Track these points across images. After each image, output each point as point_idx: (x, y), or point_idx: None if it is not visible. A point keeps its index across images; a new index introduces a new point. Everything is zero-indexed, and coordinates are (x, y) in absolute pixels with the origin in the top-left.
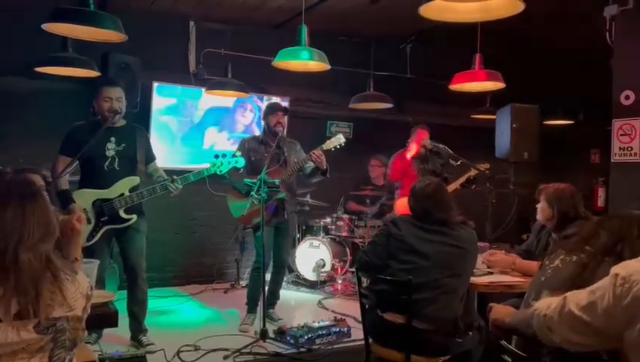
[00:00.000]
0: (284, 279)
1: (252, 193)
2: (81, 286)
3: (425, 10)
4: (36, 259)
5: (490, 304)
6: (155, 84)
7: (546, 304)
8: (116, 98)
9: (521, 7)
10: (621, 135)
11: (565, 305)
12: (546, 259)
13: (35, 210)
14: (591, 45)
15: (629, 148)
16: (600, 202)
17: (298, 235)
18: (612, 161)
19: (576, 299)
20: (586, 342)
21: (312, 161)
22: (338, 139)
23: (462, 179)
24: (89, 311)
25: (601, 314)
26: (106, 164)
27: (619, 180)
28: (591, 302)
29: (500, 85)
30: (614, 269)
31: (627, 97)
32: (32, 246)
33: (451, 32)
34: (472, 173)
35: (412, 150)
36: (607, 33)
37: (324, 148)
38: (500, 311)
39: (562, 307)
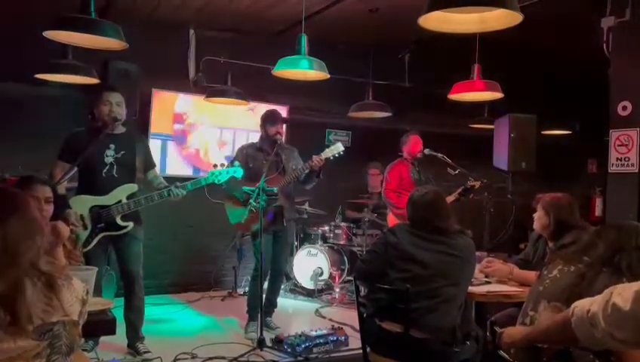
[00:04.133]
0: (282, 287)
1: (251, 201)
2: (77, 290)
3: (424, 21)
4: (26, 268)
5: (501, 330)
6: (155, 92)
7: (589, 301)
8: (116, 103)
9: (519, 18)
10: (618, 145)
11: (610, 299)
12: (544, 269)
13: (13, 224)
14: (588, 56)
15: (626, 159)
16: (597, 212)
17: (296, 243)
18: (609, 171)
19: (623, 291)
20: (629, 337)
21: (311, 166)
22: (337, 148)
23: (459, 190)
24: (86, 316)
25: None
26: (104, 170)
27: (616, 190)
28: (637, 294)
29: (498, 95)
30: None
31: (624, 108)
32: (12, 262)
33: (450, 42)
34: (469, 183)
35: (408, 155)
36: (605, 44)
37: (323, 157)
38: (514, 333)
39: (607, 301)
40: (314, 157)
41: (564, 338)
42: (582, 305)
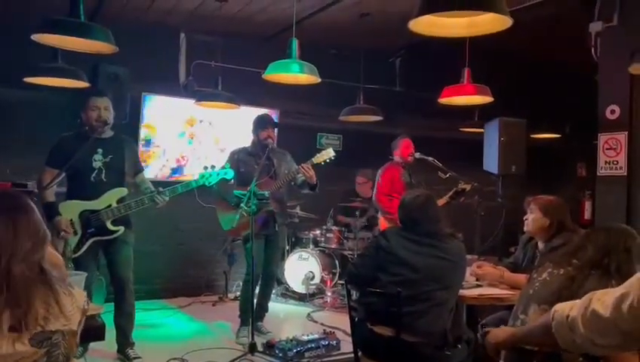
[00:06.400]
0: (273, 291)
1: (241, 205)
2: (78, 300)
3: (414, 25)
4: (29, 270)
5: (486, 329)
6: (145, 95)
7: (569, 306)
8: (104, 107)
9: (508, 22)
10: (607, 149)
11: (590, 305)
12: (534, 272)
13: (25, 222)
14: (577, 60)
15: (615, 162)
16: (587, 215)
17: (287, 247)
18: (598, 174)
19: (603, 298)
20: (610, 342)
21: (303, 174)
22: (328, 153)
23: (450, 193)
24: (83, 324)
25: (626, 314)
26: (93, 175)
27: (605, 193)
28: (617, 300)
29: (488, 99)
30: None
31: (612, 112)
32: (25, 257)
33: (440, 46)
34: (460, 187)
35: (399, 159)
36: (593, 49)
37: (314, 162)
38: (500, 333)
39: (586, 307)
40: (302, 165)
41: (546, 341)
42: (562, 309)
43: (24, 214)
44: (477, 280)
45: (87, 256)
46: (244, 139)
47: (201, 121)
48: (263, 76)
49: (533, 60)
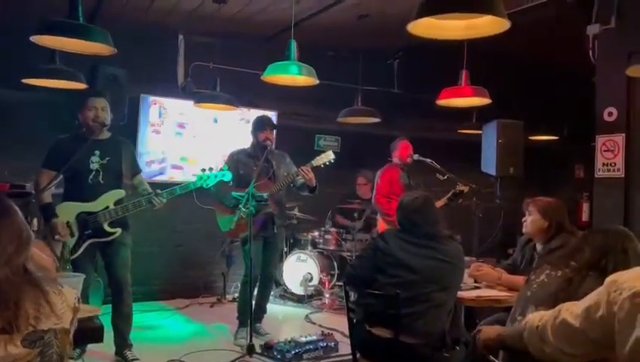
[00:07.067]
0: (272, 293)
1: (240, 206)
2: (68, 299)
3: (413, 28)
4: (13, 273)
5: (479, 327)
6: (143, 97)
7: (539, 316)
8: (101, 108)
9: (506, 25)
10: (604, 151)
11: (559, 315)
12: (532, 274)
13: (8, 225)
14: (575, 62)
15: (613, 164)
16: (585, 217)
17: (285, 249)
18: (596, 176)
19: (571, 308)
20: (580, 351)
21: (302, 177)
22: (327, 156)
23: (448, 195)
24: (76, 324)
25: (596, 322)
26: (90, 177)
27: (603, 195)
28: (587, 310)
29: (486, 101)
30: (610, 277)
31: (610, 114)
32: (8, 261)
33: (439, 49)
34: (459, 188)
35: (398, 160)
36: (590, 51)
37: (314, 165)
38: (490, 331)
39: (555, 317)
40: (302, 167)
41: (520, 348)
42: (533, 319)
43: (7, 217)
44: (475, 281)
45: (85, 257)
46: (243, 140)
47: (202, 129)
48: (262, 78)
49: (531, 62)
